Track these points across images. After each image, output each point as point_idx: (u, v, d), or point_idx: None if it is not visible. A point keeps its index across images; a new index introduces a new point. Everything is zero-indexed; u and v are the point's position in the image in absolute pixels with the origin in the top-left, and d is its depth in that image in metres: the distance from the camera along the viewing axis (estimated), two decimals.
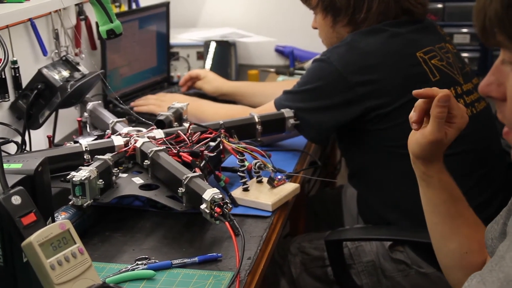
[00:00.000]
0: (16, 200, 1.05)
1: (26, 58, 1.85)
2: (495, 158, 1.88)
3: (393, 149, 1.77)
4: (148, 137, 1.62)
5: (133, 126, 1.74)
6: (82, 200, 1.41)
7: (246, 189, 1.59)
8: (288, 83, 2.15)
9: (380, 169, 1.83)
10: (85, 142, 1.60)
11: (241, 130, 1.76)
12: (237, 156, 1.61)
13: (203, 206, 1.34)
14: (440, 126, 1.20)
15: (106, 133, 1.75)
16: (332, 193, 2.36)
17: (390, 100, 1.75)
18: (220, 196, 1.33)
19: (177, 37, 2.69)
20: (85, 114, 1.88)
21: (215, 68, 2.55)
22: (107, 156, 1.51)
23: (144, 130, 1.69)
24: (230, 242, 1.37)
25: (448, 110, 1.21)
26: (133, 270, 1.30)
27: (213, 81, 2.35)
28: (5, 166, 1.11)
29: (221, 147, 1.63)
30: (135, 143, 1.60)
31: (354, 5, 1.82)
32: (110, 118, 1.80)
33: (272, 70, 2.74)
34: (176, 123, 1.82)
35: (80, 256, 1.08)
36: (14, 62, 1.76)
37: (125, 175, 1.56)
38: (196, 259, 1.32)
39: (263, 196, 1.57)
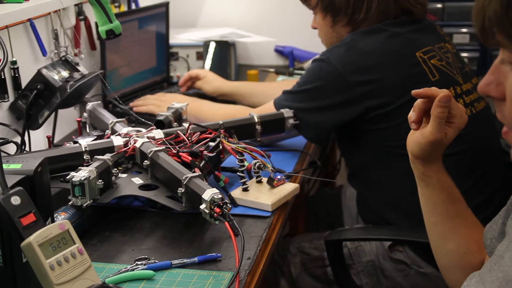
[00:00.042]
0: (15, 200, 1.05)
1: (25, 58, 1.85)
2: (494, 158, 1.88)
3: (392, 149, 1.77)
4: (148, 137, 1.62)
5: (132, 126, 1.74)
6: (82, 200, 1.41)
7: (245, 189, 1.59)
8: (287, 83, 2.14)
9: (380, 169, 1.83)
10: (85, 142, 1.60)
11: (240, 130, 1.76)
12: (237, 156, 1.61)
13: (202, 206, 1.34)
14: (440, 126, 1.20)
15: (105, 133, 1.75)
16: (331, 193, 2.36)
17: (390, 100, 1.75)
18: (220, 196, 1.33)
19: (176, 37, 2.69)
20: (85, 114, 1.88)
21: (214, 68, 2.55)
22: (107, 156, 1.51)
23: (143, 130, 1.69)
24: (229, 242, 1.37)
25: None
26: (133, 270, 1.29)
27: (212, 81, 2.34)
28: (5, 166, 1.11)
29: (221, 147, 1.63)
30: (134, 143, 1.60)
31: (353, 5, 1.82)
32: (109, 118, 1.80)
33: (272, 70, 2.74)
34: (175, 123, 1.82)
35: (79, 257, 1.08)
36: (14, 63, 1.76)
37: (124, 175, 1.56)
38: (195, 259, 1.32)
39: (262, 196, 1.57)
